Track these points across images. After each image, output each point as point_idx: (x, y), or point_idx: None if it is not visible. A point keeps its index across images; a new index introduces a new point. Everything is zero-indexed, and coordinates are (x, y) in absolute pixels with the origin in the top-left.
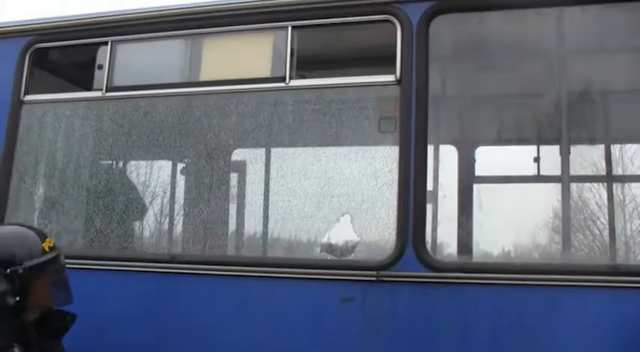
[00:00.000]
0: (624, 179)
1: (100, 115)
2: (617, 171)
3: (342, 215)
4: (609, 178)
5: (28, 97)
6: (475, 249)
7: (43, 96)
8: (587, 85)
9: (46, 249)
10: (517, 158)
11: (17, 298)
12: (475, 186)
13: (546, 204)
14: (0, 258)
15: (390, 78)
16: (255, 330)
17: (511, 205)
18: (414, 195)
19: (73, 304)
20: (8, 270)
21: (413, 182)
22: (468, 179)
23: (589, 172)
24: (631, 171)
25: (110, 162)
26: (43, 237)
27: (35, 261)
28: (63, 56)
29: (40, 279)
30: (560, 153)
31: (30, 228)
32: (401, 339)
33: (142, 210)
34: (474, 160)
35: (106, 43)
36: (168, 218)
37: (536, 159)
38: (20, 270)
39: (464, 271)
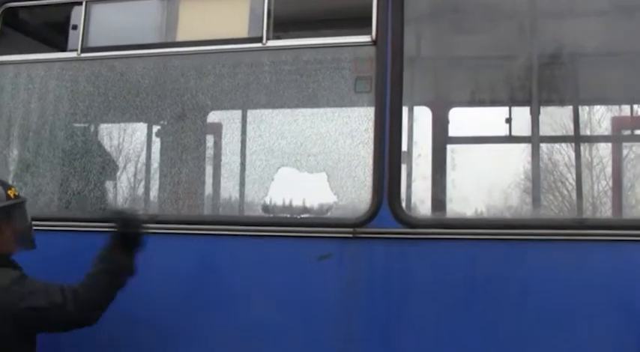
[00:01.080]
0: (591, 139)
1: (75, 76)
2: (585, 132)
3: (319, 173)
4: (577, 139)
5: (0, 58)
6: (448, 207)
7: (15, 56)
8: (558, 48)
9: (11, 195)
10: (490, 119)
11: None
12: (449, 146)
13: (517, 163)
14: None
15: (365, 38)
16: (235, 288)
17: (483, 165)
18: (389, 153)
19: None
20: None
21: (388, 141)
22: (441, 139)
23: (558, 133)
24: (598, 132)
25: (86, 123)
26: (7, 186)
27: (1, 204)
28: (36, 16)
29: (5, 223)
30: (531, 114)
31: None
32: (377, 294)
33: (116, 172)
34: (447, 121)
35: (80, 3)
36: (144, 179)
37: (508, 120)
38: None
39: (437, 227)
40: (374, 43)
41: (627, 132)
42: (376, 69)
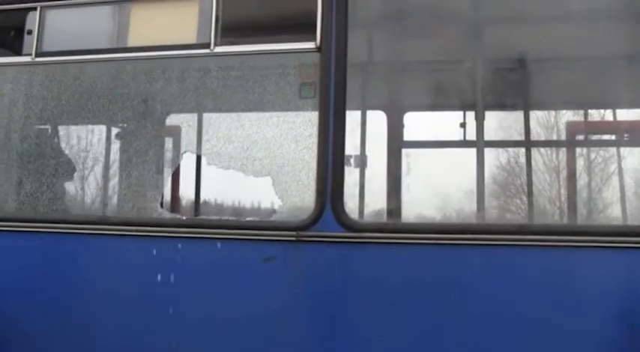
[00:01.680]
0: (539, 144)
1: (30, 80)
2: (534, 136)
3: (265, 177)
4: (527, 143)
5: None
6: (392, 211)
7: None
8: (506, 51)
9: None
10: (442, 123)
11: None
12: (396, 151)
13: (465, 168)
14: None
15: (310, 45)
16: (183, 290)
17: (429, 169)
18: (332, 158)
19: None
20: None
21: (332, 146)
22: (390, 144)
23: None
24: (546, 136)
25: (40, 126)
26: None
27: None
28: None
29: None
30: (476, 119)
31: None
32: (319, 297)
33: (72, 173)
34: (401, 125)
35: (35, 9)
36: (95, 180)
37: (462, 125)
38: None
39: (379, 231)
40: (318, 49)
41: (580, 137)
42: (320, 75)
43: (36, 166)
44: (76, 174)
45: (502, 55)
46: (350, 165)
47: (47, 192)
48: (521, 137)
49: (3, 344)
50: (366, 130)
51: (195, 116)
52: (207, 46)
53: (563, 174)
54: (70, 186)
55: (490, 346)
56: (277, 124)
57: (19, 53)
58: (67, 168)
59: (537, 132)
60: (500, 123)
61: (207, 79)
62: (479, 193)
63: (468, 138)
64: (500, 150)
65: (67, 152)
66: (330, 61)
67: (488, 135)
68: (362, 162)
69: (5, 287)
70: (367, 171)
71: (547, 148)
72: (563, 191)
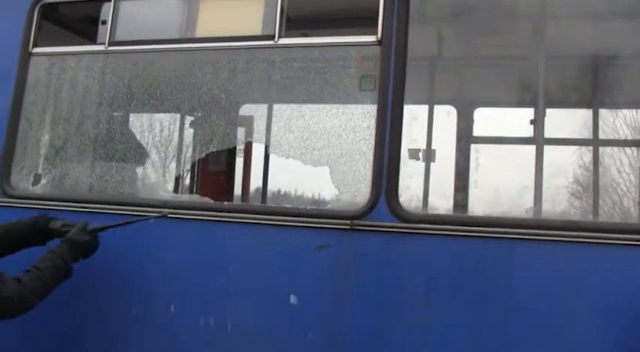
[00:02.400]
0: (609, 143)
1: (103, 68)
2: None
3: (323, 167)
4: (595, 142)
5: (36, 50)
6: (445, 203)
7: (50, 48)
8: (576, 47)
9: None
10: (508, 119)
11: None
12: (455, 145)
13: (521, 164)
14: None
15: (371, 38)
16: (241, 274)
17: (482, 164)
18: (389, 150)
19: None
20: None
21: (389, 137)
22: (454, 138)
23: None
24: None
25: (111, 112)
26: None
27: None
28: (69, 11)
29: None
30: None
31: None
32: (370, 286)
33: (141, 159)
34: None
35: (109, 0)
36: (160, 165)
37: (532, 122)
38: None
39: (431, 223)
40: (379, 42)
41: None
42: (380, 68)
43: (106, 150)
44: (145, 160)
45: (574, 52)
46: (416, 158)
47: (115, 176)
48: (589, 135)
49: None
50: (433, 124)
51: (258, 106)
52: (271, 37)
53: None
54: (139, 171)
55: (534, 341)
56: (337, 115)
57: (93, 42)
58: (136, 153)
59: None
60: (568, 120)
61: (271, 70)
62: (537, 189)
63: (537, 135)
64: (568, 147)
65: (136, 137)
66: (390, 54)
67: (558, 132)
68: (428, 155)
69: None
70: (433, 165)
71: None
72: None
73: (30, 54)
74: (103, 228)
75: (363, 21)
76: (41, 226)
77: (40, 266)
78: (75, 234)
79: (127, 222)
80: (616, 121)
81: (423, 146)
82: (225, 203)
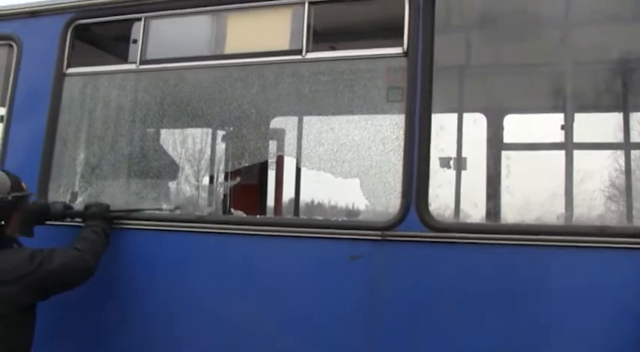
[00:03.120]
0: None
1: (135, 86)
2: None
3: (353, 179)
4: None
5: (70, 70)
6: (475, 212)
7: (83, 69)
8: (603, 52)
9: (24, 187)
10: (538, 126)
11: (2, 222)
12: (483, 153)
13: (550, 170)
14: None
15: (397, 50)
16: (277, 285)
17: (510, 171)
18: (417, 160)
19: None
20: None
21: (417, 148)
22: (473, 146)
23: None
24: None
25: (144, 129)
26: (19, 179)
27: (19, 194)
28: (101, 31)
29: (18, 210)
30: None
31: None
32: (402, 295)
33: (173, 174)
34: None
35: (140, 19)
36: (193, 180)
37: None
38: (9, 197)
39: (462, 231)
40: (405, 54)
41: None
42: (407, 79)
43: (141, 167)
44: (179, 175)
45: (601, 56)
46: (447, 166)
47: (151, 192)
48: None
49: None
50: (462, 132)
51: (287, 120)
52: (299, 52)
53: None
54: (173, 186)
55: (574, 349)
56: (365, 127)
57: (125, 61)
58: (169, 169)
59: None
60: (599, 125)
61: (300, 83)
62: (567, 195)
63: (567, 140)
64: (600, 152)
65: (169, 153)
66: (416, 65)
67: (588, 137)
68: (459, 163)
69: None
70: (465, 173)
71: None
72: None
73: (64, 74)
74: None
75: (389, 33)
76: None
77: (87, 236)
78: (102, 211)
79: (140, 210)
80: None
81: (454, 154)
82: (258, 216)
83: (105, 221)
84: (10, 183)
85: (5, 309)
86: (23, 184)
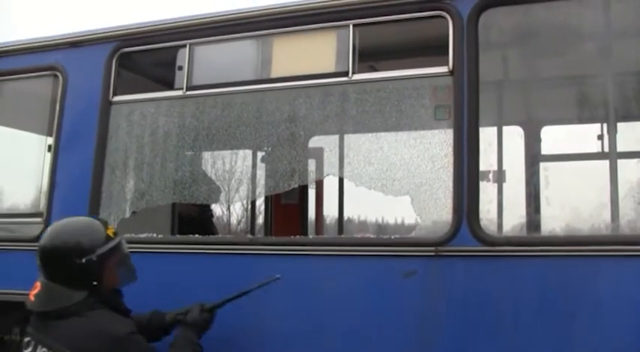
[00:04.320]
0: None
1: (182, 112)
2: None
3: (404, 196)
4: None
5: (116, 98)
6: (531, 225)
7: (129, 96)
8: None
9: (111, 235)
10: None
11: (94, 283)
12: (528, 166)
13: (599, 181)
14: (76, 249)
15: (443, 69)
16: (333, 303)
17: (566, 182)
18: (467, 176)
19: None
20: (84, 259)
21: (466, 165)
22: (524, 159)
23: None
24: None
25: (192, 154)
26: (105, 225)
27: (105, 248)
28: (146, 59)
29: (109, 263)
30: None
31: (94, 217)
32: (457, 310)
33: (222, 198)
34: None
35: (184, 46)
36: (247, 203)
37: (600, 137)
38: (94, 258)
39: (515, 245)
40: (451, 73)
41: None
42: (454, 97)
43: (190, 192)
44: (224, 199)
45: (636, 67)
46: (489, 180)
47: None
48: None
49: None
50: (502, 146)
51: (335, 140)
52: (345, 74)
53: None
54: (219, 210)
55: None
56: (414, 146)
57: (171, 87)
58: (217, 193)
59: None
60: (637, 133)
61: (346, 104)
62: (613, 205)
63: (605, 149)
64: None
65: (216, 178)
66: (462, 83)
67: (626, 146)
68: (500, 176)
69: None
70: (506, 186)
71: None
72: None
73: (110, 103)
74: (219, 306)
75: (434, 52)
76: (157, 322)
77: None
78: (196, 318)
79: (241, 294)
80: None
81: (494, 168)
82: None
83: (199, 328)
84: (84, 240)
85: None
86: (110, 229)
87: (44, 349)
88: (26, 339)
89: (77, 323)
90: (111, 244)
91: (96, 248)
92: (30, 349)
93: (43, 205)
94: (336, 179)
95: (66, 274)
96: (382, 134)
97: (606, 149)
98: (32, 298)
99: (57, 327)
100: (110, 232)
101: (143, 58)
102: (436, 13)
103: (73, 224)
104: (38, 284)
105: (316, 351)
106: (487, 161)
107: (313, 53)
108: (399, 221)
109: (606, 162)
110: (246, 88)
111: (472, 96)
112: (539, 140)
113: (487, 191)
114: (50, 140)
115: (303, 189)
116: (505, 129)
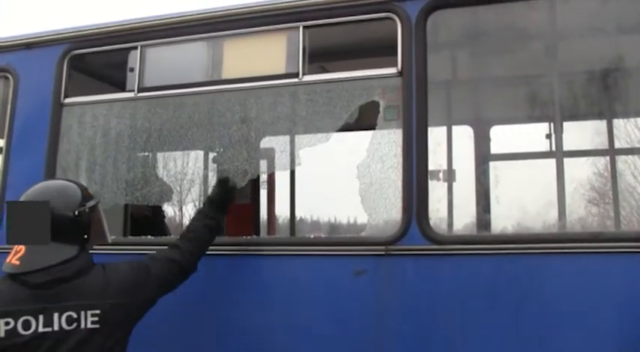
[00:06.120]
0: (624, 152)
1: (134, 114)
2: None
3: (354, 196)
4: (611, 152)
5: (68, 100)
6: (480, 224)
7: (80, 98)
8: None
9: (92, 194)
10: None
11: (85, 236)
12: (477, 164)
13: (546, 179)
14: (69, 202)
15: (392, 70)
16: (284, 302)
17: (507, 181)
18: (417, 176)
19: None
20: (76, 212)
21: (415, 165)
22: (473, 158)
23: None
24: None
25: (144, 155)
26: (84, 187)
27: (92, 202)
28: (97, 61)
29: (95, 216)
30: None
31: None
32: (407, 307)
33: (174, 199)
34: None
35: (136, 48)
36: (199, 204)
37: (547, 136)
38: (87, 210)
39: (463, 243)
40: (400, 74)
41: None
42: (403, 98)
43: (142, 194)
44: (178, 199)
45: (582, 67)
46: (439, 179)
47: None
48: (604, 146)
49: None
50: (452, 145)
51: (288, 139)
52: (295, 75)
53: None
54: (171, 211)
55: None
56: (364, 146)
57: (122, 89)
58: (170, 194)
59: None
60: (584, 133)
61: (297, 105)
62: (560, 203)
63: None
64: (585, 159)
65: (169, 179)
66: (411, 84)
67: (573, 145)
68: (449, 176)
69: None
70: (455, 185)
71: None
72: None
73: (62, 104)
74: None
75: (383, 53)
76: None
77: (193, 228)
78: (212, 193)
79: None
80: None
81: (444, 167)
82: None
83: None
84: (80, 193)
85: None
86: (87, 190)
87: (69, 313)
88: (23, 319)
89: (101, 272)
90: (95, 199)
91: (84, 201)
92: (33, 328)
93: None
94: (288, 179)
95: (57, 229)
96: (333, 134)
97: (554, 148)
98: (16, 261)
99: (77, 287)
100: (91, 192)
101: (94, 59)
102: (385, 15)
103: (54, 183)
104: (21, 247)
105: (269, 351)
106: (437, 160)
107: (264, 55)
108: (351, 220)
109: (554, 161)
110: (198, 89)
111: (421, 97)
112: (488, 139)
113: (437, 190)
114: (1, 142)
115: (255, 190)
116: (454, 128)
